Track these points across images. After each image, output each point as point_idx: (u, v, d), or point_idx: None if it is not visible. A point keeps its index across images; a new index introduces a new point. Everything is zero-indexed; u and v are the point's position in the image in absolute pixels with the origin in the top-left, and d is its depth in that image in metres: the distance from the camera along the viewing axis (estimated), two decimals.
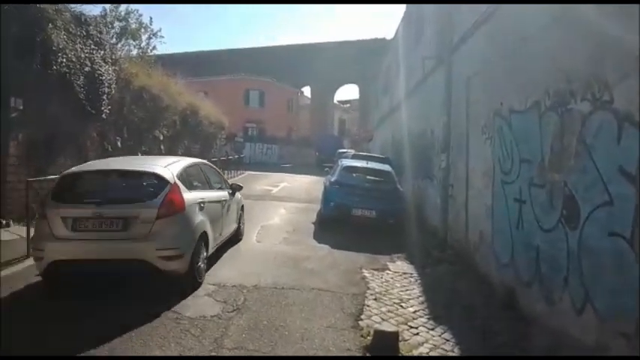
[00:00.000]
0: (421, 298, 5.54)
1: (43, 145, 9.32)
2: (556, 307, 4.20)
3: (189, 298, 4.95)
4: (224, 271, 6.03)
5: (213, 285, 5.39)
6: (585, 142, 3.77)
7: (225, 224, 6.84)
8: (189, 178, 5.79)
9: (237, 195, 7.88)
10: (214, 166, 8.08)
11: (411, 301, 5.41)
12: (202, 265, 5.55)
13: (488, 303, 5.35)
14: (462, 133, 7.61)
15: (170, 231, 4.97)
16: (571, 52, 4.05)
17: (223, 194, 7.01)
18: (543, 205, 4.51)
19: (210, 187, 6.65)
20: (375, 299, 5.36)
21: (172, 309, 4.56)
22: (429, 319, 4.86)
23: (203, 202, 5.75)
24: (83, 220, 4.84)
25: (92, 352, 3.67)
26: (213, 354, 3.75)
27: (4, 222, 8.18)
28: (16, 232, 7.72)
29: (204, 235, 5.64)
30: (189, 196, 5.43)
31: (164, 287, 5.02)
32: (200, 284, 5.38)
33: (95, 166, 5.95)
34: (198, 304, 4.78)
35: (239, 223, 7.95)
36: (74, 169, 5.56)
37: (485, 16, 6.50)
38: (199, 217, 5.52)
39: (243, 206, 8.37)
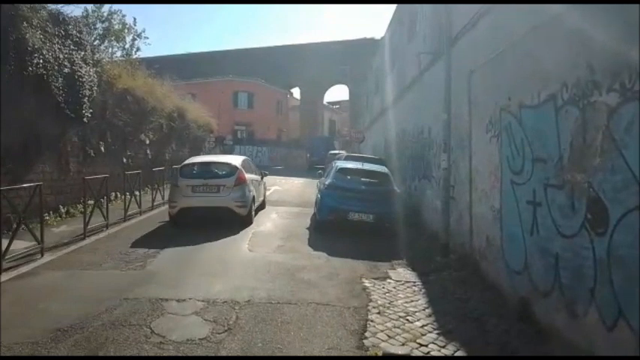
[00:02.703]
0: (428, 310, 5.12)
1: (18, 150, 8.77)
2: (580, 321, 3.80)
3: (179, 317, 4.50)
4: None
5: (202, 301, 4.92)
6: (614, 138, 3.38)
7: (259, 194, 11.32)
8: (244, 166, 10.35)
9: (264, 179, 12.46)
10: (252, 161, 12.44)
11: (417, 313, 4.99)
12: (253, 212, 10.22)
13: (500, 314, 4.96)
14: (463, 131, 7.22)
15: (240, 193, 9.59)
16: (593, 37, 3.66)
17: (258, 177, 11.56)
18: (563, 208, 4.11)
19: (253, 172, 11.14)
20: (379, 313, 4.93)
21: (156, 332, 4.09)
22: (439, 334, 4.44)
23: (251, 180, 10.40)
24: (197, 187, 9.44)
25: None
26: None
27: None
28: None
29: (253, 197, 10.29)
30: (247, 175, 10.06)
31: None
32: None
33: (200, 159, 11.60)
34: (185, 325, 4.32)
35: (264, 196, 12.46)
36: (190, 160, 10.88)
37: (486, 7, 6.13)
38: (251, 187, 10.19)
39: (265, 184, 12.84)
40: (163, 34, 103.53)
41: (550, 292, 4.34)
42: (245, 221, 9.65)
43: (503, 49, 5.51)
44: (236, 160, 10.52)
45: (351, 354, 3.91)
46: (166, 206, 11.70)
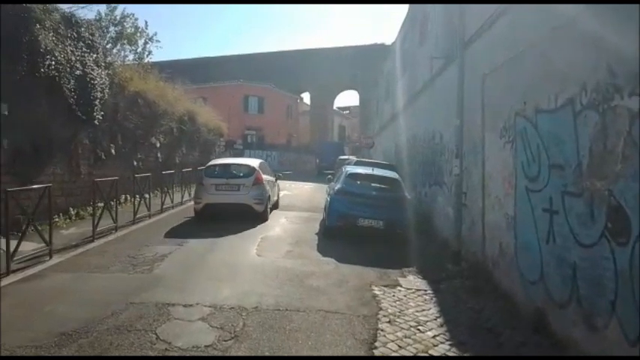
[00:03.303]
0: (440, 320, 4.98)
1: (30, 152, 8.80)
2: (600, 334, 3.65)
3: (185, 323, 4.42)
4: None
5: (209, 307, 4.83)
6: (636, 144, 3.24)
7: (273, 194, 12.38)
8: (261, 168, 11.54)
9: (278, 181, 13.60)
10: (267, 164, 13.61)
11: (429, 323, 4.86)
12: (268, 210, 11.31)
13: (514, 325, 4.80)
14: (476, 137, 7.09)
15: (258, 191, 10.78)
16: (615, 39, 3.53)
17: (272, 179, 12.70)
18: (581, 217, 3.97)
19: (268, 174, 12.23)
20: (389, 322, 4.81)
21: (162, 338, 4.00)
22: (451, 345, 4.31)
23: (267, 180, 11.50)
24: (220, 185, 10.67)
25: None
26: None
27: None
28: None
29: (269, 196, 11.38)
30: (263, 176, 11.27)
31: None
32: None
33: (223, 160, 12.84)
34: (191, 331, 4.23)
35: (277, 196, 13.39)
36: (213, 161, 12.20)
37: (503, 8, 6.01)
38: (267, 187, 11.28)
39: (279, 186, 13.92)
40: (172, 37, 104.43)
41: (567, 303, 4.19)
42: (261, 217, 10.78)
43: (519, 52, 5.38)
44: (254, 162, 11.80)
45: None
46: (176, 209, 11.93)
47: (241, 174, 11.10)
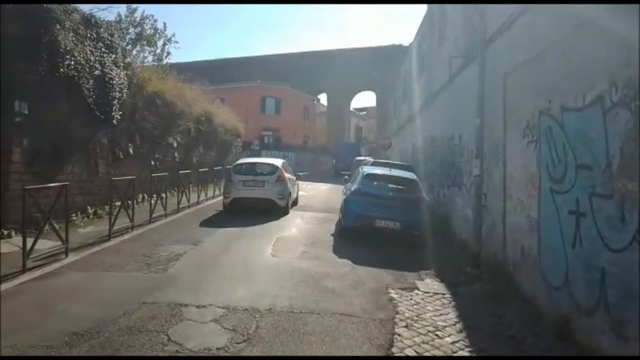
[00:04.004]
0: (459, 325, 4.81)
1: (49, 151, 8.88)
2: (630, 343, 3.45)
3: (198, 324, 4.35)
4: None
5: (222, 308, 4.75)
6: None
7: (293, 191, 13.29)
8: (284, 167, 12.64)
9: (297, 180, 14.63)
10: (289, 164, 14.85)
11: (447, 328, 4.69)
12: (289, 204, 12.30)
13: (537, 332, 4.61)
14: (497, 137, 6.89)
15: (280, 188, 11.80)
16: None
17: (293, 177, 13.68)
18: (610, 219, 3.77)
19: (290, 173, 13.16)
20: (407, 326, 4.65)
21: (173, 340, 3.93)
22: (471, 352, 4.15)
23: (288, 178, 12.45)
24: (247, 181, 11.68)
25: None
26: None
27: (5, 232, 7.73)
28: (17, 243, 7.18)
29: (290, 192, 12.36)
30: (286, 174, 12.24)
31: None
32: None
33: (249, 159, 14.31)
34: (203, 333, 4.14)
35: (297, 194, 14.29)
36: (241, 160, 13.66)
37: (525, 6, 5.82)
38: (288, 184, 12.26)
39: (298, 184, 14.94)
40: (189, 38, 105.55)
41: (594, 310, 3.99)
42: (283, 211, 11.89)
43: (544, 49, 5.18)
44: (277, 161, 13.00)
45: None
46: (192, 209, 11.98)
47: (266, 172, 12.12)
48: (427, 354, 4.04)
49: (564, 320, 4.48)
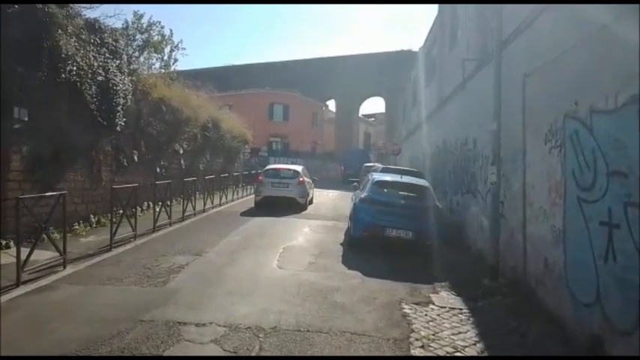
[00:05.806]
0: (480, 345, 4.44)
1: (50, 158, 8.65)
2: None
3: (196, 345, 4.02)
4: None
5: (223, 327, 4.42)
6: None
7: (310, 192, 16.11)
8: (303, 172, 15.60)
9: (313, 184, 17.37)
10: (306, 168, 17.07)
11: (467, 349, 4.32)
12: (307, 203, 15.37)
13: (565, 352, 4.25)
14: (516, 142, 6.52)
15: (301, 189, 14.88)
16: None
17: (310, 180, 16.48)
18: None
19: (307, 177, 15.98)
20: (423, 347, 4.30)
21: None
22: None
23: (307, 182, 15.50)
24: (275, 183, 14.80)
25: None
26: None
27: (3, 243, 7.48)
28: (15, 254, 6.95)
29: (308, 193, 15.46)
30: (305, 178, 15.32)
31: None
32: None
33: (276, 165, 17.77)
34: (201, 357, 3.81)
35: (312, 195, 16.76)
36: (270, 166, 17.27)
37: (545, 5, 5.47)
38: (307, 186, 15.38)
39: (314, 187, 17.53)
40: (196, 44, 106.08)
41: (632, 330, 3.62)
42: (302, 207, 14.61)
43: (569, 48, 4.83)
44: (298, 167, 16.13)
45: None
46: (197, 217, 11.85)
47: (289, 176, 15.09)
48: None
49: (596, 340, 4.10)
